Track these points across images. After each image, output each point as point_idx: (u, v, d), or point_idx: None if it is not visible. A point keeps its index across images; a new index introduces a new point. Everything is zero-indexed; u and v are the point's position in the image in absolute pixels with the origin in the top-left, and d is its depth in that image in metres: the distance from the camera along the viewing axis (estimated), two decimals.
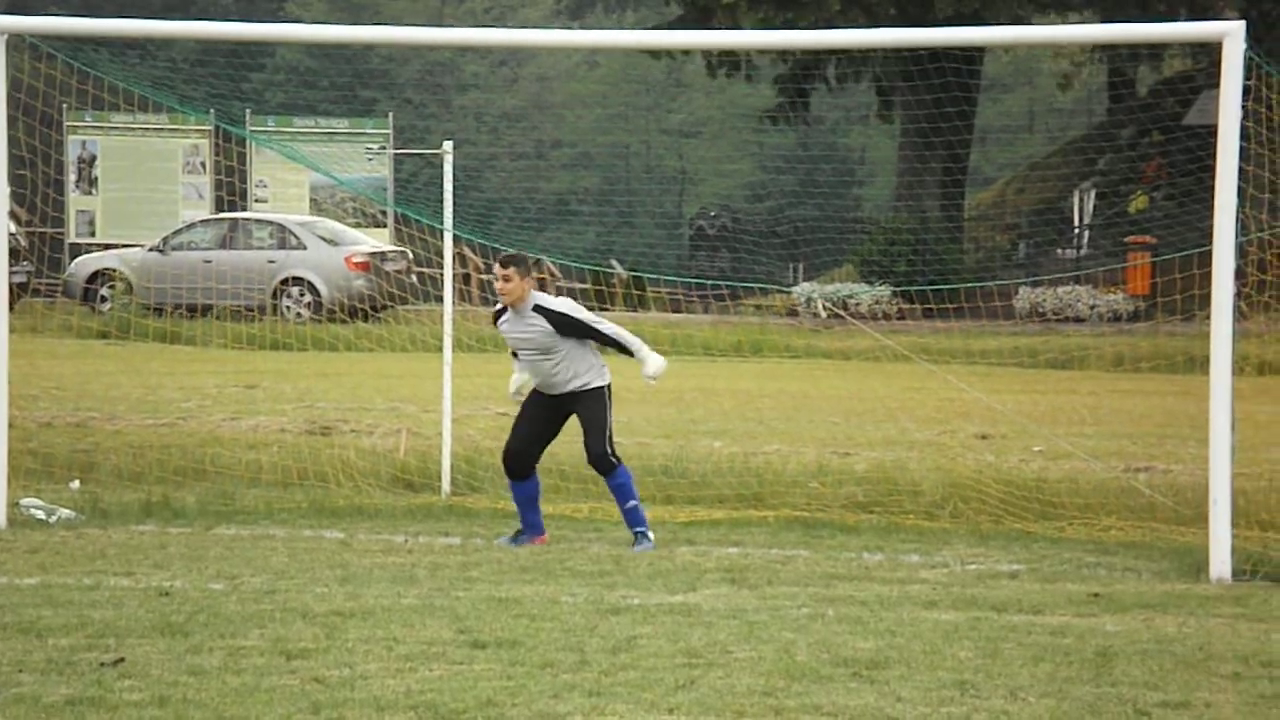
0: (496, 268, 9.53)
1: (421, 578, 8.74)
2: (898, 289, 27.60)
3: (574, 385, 9.50)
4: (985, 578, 9.16)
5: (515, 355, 9.70)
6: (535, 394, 9.63)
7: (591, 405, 9.46)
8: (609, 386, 9.55)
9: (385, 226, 28.38)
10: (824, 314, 25.01)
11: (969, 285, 19.83)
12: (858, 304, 27.56)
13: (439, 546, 9.76)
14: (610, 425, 9.52)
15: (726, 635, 7.33)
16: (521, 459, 9.61)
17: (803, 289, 27.63)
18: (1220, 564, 8.69)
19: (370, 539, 9.97)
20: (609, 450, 9.48)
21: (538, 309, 9.55)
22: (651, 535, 9.64)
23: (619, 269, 26.40)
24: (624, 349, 9.55)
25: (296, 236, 25.37)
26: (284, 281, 24.63)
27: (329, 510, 11.03)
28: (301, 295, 24.59)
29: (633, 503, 9.54)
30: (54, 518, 10.06)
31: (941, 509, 11.24)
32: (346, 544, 9.82)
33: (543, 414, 9.57)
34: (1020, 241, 34.20)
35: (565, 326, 9.48)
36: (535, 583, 8.65)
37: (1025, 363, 20.07)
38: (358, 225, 27.80)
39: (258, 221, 26.05)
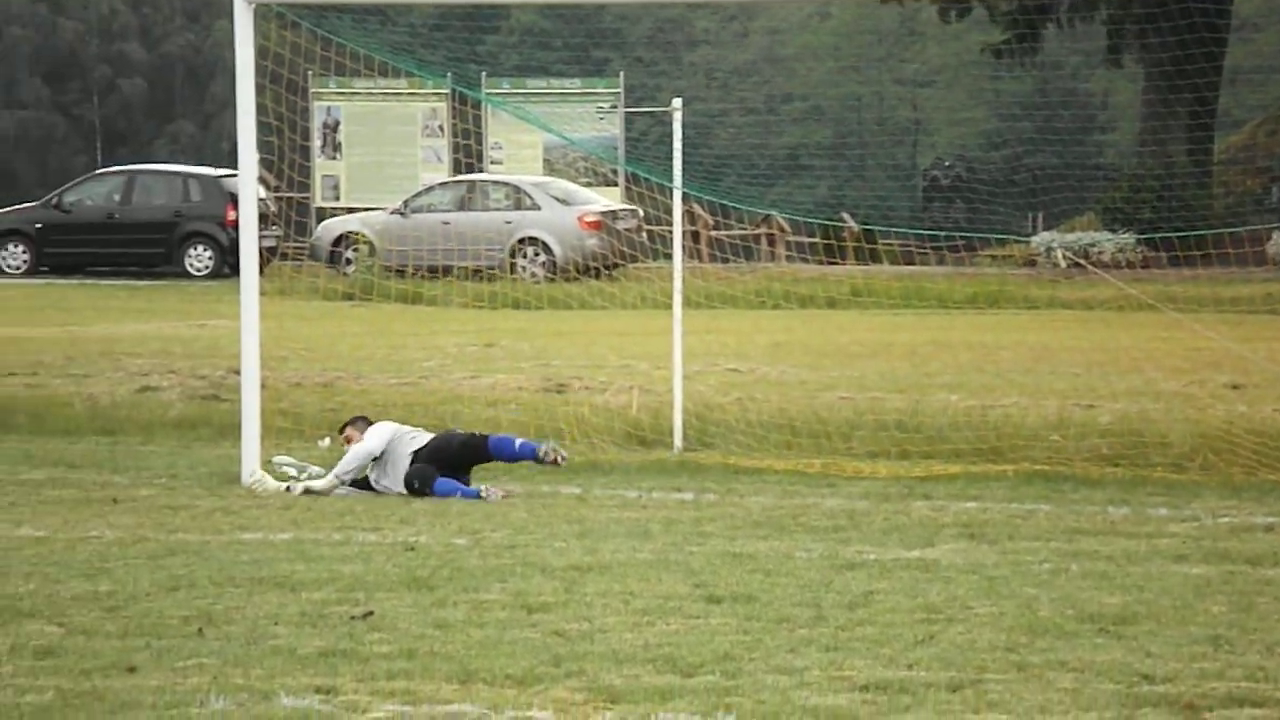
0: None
1: (656, 532, 8.80)
2: (1142, 236, 26.73)
3: None
4: (1238, 531, 8.84)
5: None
6: None
7: None
8: None
9: (617, 185, 28.57)
10: (1064, 263, 24.38)
11: (1218, 231, 19.09)
12: (1100, 252, 26.79)
13: (672, 502, 9.81)
14: None
15: (966, 590, 7.21)
16: None
17: (1042, 238, 26.96)
18: None
19: (605, 494, 10.07)
20: None
21: None
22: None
23: (851, 223, 26.15)
24: None
25: (531, 197, 25.72)
26: (520, 241, 25.01)
27: (566, 467, 11.17)
28: (536, 255, 24.94)
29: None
30: (304, 474, 10.41)
31: (1191, 461, 10.88)
32: (583, 499, 9.94)
33: None
34: (1273, 185, 32.79)
35: None
36: (769, 538, 8.64)
37: (1279, 309, 19.25)
38: (590, 185, 28.05)
39: (494, 183, 26.48)
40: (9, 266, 26.43)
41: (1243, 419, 11.51)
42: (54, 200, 26.99)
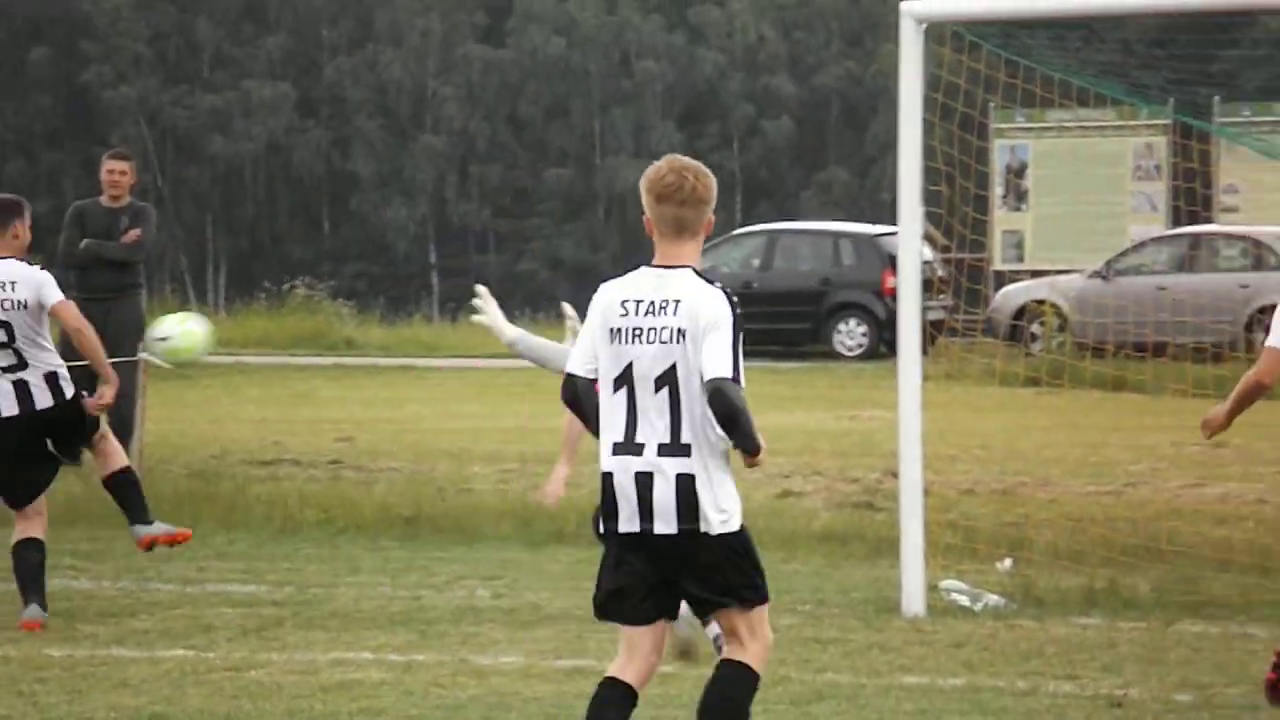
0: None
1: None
2: None
3: None
4: None
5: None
6: None
7: None
8: None
9: None
10: None
11: None
12: None
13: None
14: None
15: None
16: None
17: None
18: None
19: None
20: None
21: None
22: None
23: None
24: None
25: (1277, 254, 24.88)
26: (1260, 311, 24.22)
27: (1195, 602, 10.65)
28: None
29: None
30: (980, 604, 10.44)
31: None
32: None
33: None
34: None
35: None
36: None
37: None
38: None
39: (1227, 237, 25.82)
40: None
41: None
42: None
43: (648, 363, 6.00)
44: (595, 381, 6.12)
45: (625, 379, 6.02)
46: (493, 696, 8.32)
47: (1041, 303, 24.91)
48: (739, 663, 6.04)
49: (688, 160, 6.14)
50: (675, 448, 5.98)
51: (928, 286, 14.21)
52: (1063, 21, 12.85)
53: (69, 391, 9.68)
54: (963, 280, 26.32)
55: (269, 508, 13.15)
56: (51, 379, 9.63)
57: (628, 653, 6.07)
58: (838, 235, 28.94)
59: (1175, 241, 25.97)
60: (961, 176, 12.67)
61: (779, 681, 8.55)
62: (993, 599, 10.62)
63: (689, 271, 6.06)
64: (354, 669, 8.84)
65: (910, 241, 10.41)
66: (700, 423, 5.99)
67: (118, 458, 9.85)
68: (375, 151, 64.17)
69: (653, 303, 6.02)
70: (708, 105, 65.64)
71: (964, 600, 10.49)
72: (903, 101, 10.43)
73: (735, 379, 5.93)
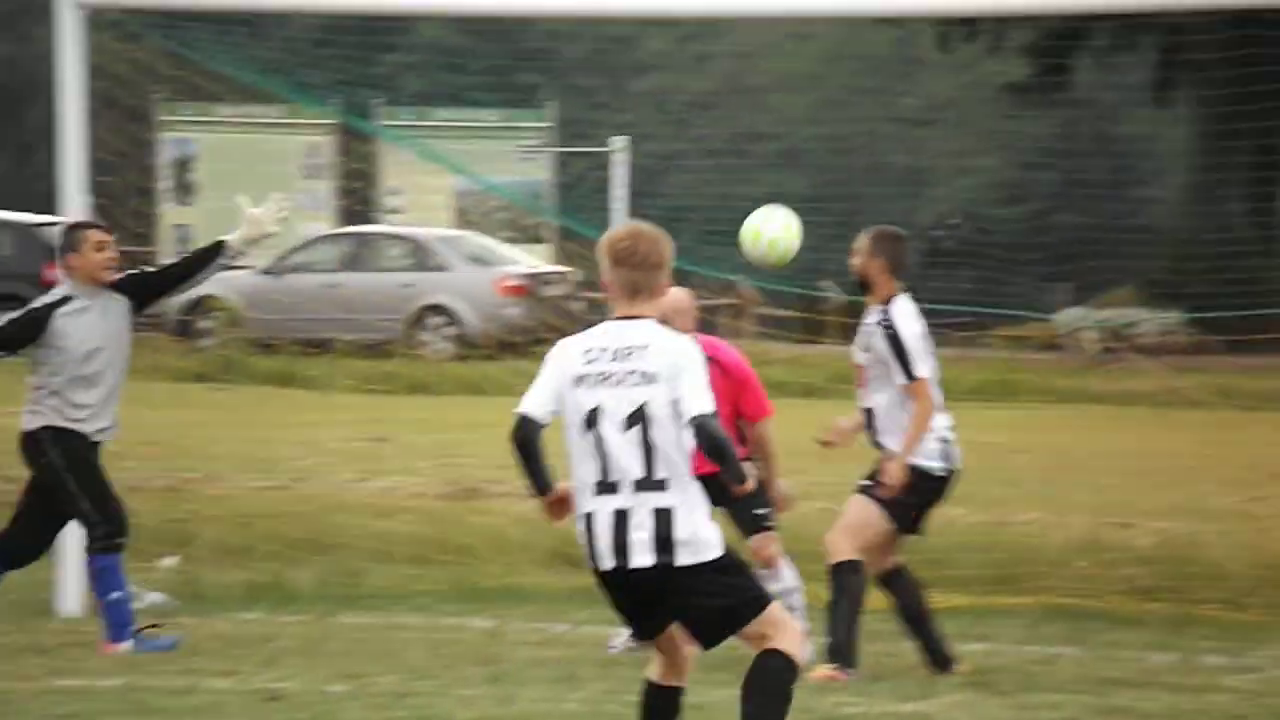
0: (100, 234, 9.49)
1: (587, 678, 8.76)
2: (1192, 315, 27.05)
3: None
4: None
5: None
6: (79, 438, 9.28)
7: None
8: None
9: (546, 242, 28.68)
10: (1095, 348, 24.62)
11: None
12: (1140, 335, 27.08)
13: (603, 637, 9.78)
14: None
15: None
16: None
17: (1068, 316, 27.25)
18: None
19: (525, 629, 10.03)
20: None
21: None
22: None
23: (835, 293, 26.36)
24: (208, 255, 9.48)
25: (437, 255, 25.76)
26: (422, 309, 25.03)
27: (475, 592, 11.12)
28: (443, 326, 24.96)
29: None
30: (142, 603, 10.30)
31: (1250, 597, 10.94)
32: (496, 635, 9.88)
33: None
34: None
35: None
36: (729, 684, 8.61)
37: None
38: (512, 240, 28.15)
39: (390, 237, 26.52)
40: None
41: None
42: None
43: (616, 404, 6.26)
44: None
45: (593, 421, 6.27)
46: None
47: (212, 298, 24.81)
48: (776, 650, 6.34)
49: (644, 226, 6.44)
50: (650, 483, 6.24)
51: None
52: (226, 14, 12.84)
53: None
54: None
55: None
56: None
57: (658, 656, 6.40)
58: None
59: (343, 240, 26.46)
60: (127, 168, 12.43)
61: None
62: (155, 597, 10.51)
63: (650, 321, 6.39)
64: None
65: None
66: (674, 458, 6.25)
67: None
68: None
69: (617, 350, 6.33)
70: None
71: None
72: (63, 90, 10.22)
73: (715, 414, 6.24)
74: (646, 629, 6.40)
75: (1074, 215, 31.59)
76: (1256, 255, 29.80)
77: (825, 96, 47.11)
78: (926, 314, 9.32)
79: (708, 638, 6.40)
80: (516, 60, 42.78)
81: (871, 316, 9.06)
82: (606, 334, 6.41)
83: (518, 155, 29.38)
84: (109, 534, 9.28)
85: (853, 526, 8.96)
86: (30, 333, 9.28)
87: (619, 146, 12.09)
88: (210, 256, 9.55)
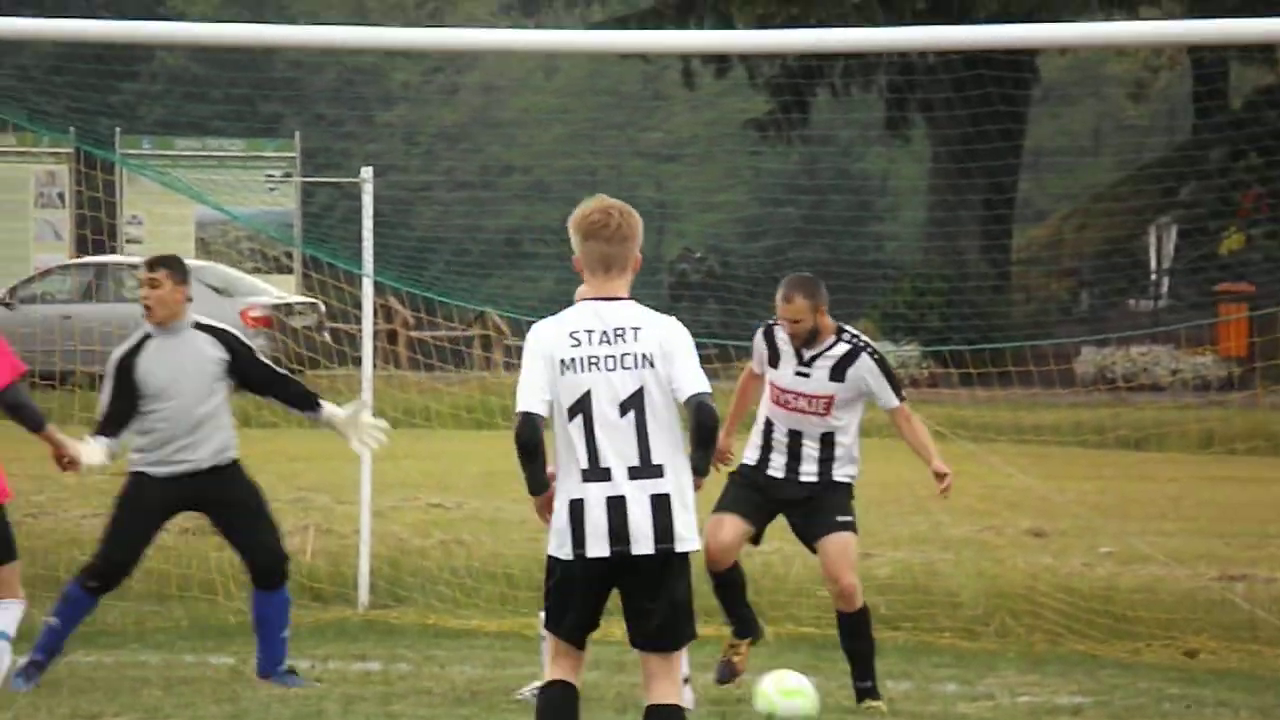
0: (142, 271, 9.53)
1: (332, 714, 8.65)
2: (928, 349, 27.68)
3: (220, 457, 9.32)
4: (1040, 713, 9.11)
5: (132, 409, 9.29)
6: (144, 479, 9.26)
7: (247, 487, 9.31)
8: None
9: (291, 272, 28.38)
10: None
11: (1018, 345, 19.91)
12: None
13: (354, 674, 9.67)
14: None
15: None
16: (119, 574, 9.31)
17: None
18: None
19: None
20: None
21: (202, 327, 9.60)
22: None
23: None
24: (303, 401, 9.41)
25: None
26: None
27: (216, 629, 10.93)
28: None
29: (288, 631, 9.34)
30: None
31: (985, 625, 11.19)
32: (238, 672, 9.74)
33: (155, 511, 9.27)
34: (1082, 290, 34.36)
35: (243, 359, 9.39)
36: (473, 718, 8.56)
37: (1089, 441, 20.09)
38: (256, 271, 27.81)
39: (130, 266, 26.01)
40: None
41: (1047, 573, 11.92)
42: None
43: (610, 389, 6.07)
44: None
45: (581, 407, 6.07)
46: None
47: None
48: (673, 706, 6.15)
49: (613, 200, 6.23)
50: (647, 469, 6.08)
51: None
52: None
53: None
54: None
55: None
56: None
57: (566, 658, 6.20)
58: None
59: (81, 271, 25.90)
60: None
61: None
62: None
63: (633, 302, 6.18)
64: None
65: None
66: (669, 443, 6.10)
67: None
68: None
69: (605, 332, 6.12)
70: None
71: None
72: None
73: (712, 395, 6.11)
74: (581, 624, 6.16)
75: (814, 250, 32.15)
76: (990, 292, 30.58)
77: (573, 130, 47.37)
78: None
79: (648, 637, 6.15)
80: (260, 90, 42.32)
81: (836, 348, 9.03)
82: (590, 315, 6.17)
83: (263, 185, 29.05)
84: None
85: (852, 562, 9.05)
86: None
87: (366, 178, 12.00)
88: (300, 403, 9.39)
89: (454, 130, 48.56)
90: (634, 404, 6.11)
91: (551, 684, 6.23)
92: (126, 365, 9.41)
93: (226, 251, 28.56)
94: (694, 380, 6.16)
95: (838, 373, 9.11)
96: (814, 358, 9.13)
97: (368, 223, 11.81)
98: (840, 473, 9.16)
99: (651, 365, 6.14)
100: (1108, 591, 11.21)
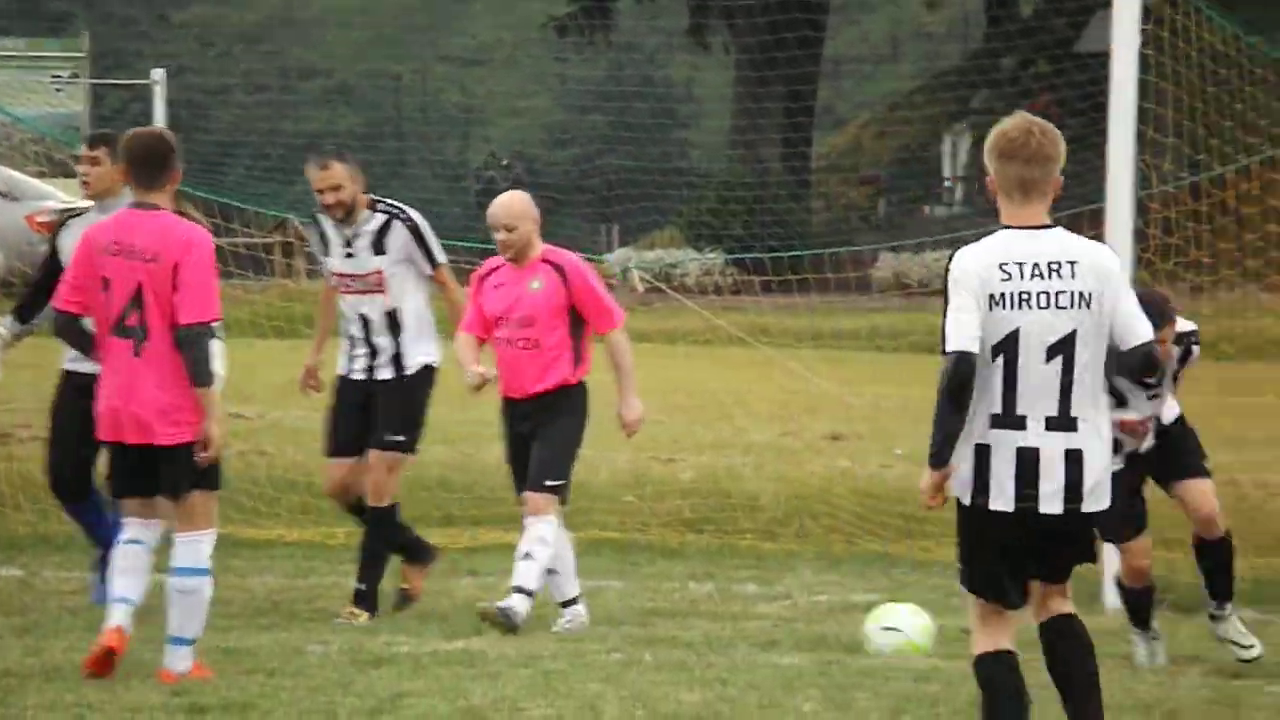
0: (83, 148, 9.43)
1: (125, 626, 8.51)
2: (732, 256, 27.86)
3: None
4: (836, 612, 9.27)
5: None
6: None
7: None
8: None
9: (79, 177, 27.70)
10: (641, 287, 25.14)
11: (817, 252, 20.10)
12: (684, 275, 27.76)
13: (153, 583, 9.54)
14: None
15: (516, 689, 7.30)
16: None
17: (616, 257, 27.75)
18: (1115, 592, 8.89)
19: (59, 577, 9.73)
20: None
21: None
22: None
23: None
24: None
25: None
26: None
27: (5, 541, 10.72)
28: None
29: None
30: None
31: (784, 527, 11.34)
32: (27, 584, 9.59)
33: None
34: (879, 198, 34.79)
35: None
36: (275, 628, 8.52)
37: (885, 346, 20.38)
38: (43, 175, 27.13)
39: None
40: None
41: (844, 477, 12.09)
42: None
43: (1040, 329, 5.62)
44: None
45: (1006, 347, 5.63)
46: None
47: None
48: (1070, 615, 5.87)
49: (1034, 117, 5.73)
50: (1063, 421, 5.63)
51: None
52: None
53: None
54: None
55: None
56: None
57: (998, 623, 5.77)
58: None
59: None
60: None
61: None
62: None
63: (1059, 230, 5.68)
64: None
65: None
66: (1090, 395, 5.65)
67: None
68: None
69: (1036, 265, 5.64)
70: None
71: None
72: None
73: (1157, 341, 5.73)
74: (1013, 593, 5.76)
75: (620, 158, 32.13)
76: (790, 200, 30.81)
77: (376, 33, 46.70)
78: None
79: (1059, 577, 5.86)
80: None
81: (371, 224, 9.18)
82: (1017, 245, 5.66)
83: (49, 87, 28.32)
84: None
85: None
86: None
87: (158, 79, 11.75)
88: None
89: (253, 31, 47.68)
90: (1063, 348, 5.66)
91: (983, 656, 5.79)
92: (54, 239, 9.32)
93: (11, 155, 27.84)
94: (1143, 326, 5.71)
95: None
96: None
97: (160, 125, 11.58)
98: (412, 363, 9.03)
99: (1088, 304, 5.67)
100: (901, 493, 11.40)
